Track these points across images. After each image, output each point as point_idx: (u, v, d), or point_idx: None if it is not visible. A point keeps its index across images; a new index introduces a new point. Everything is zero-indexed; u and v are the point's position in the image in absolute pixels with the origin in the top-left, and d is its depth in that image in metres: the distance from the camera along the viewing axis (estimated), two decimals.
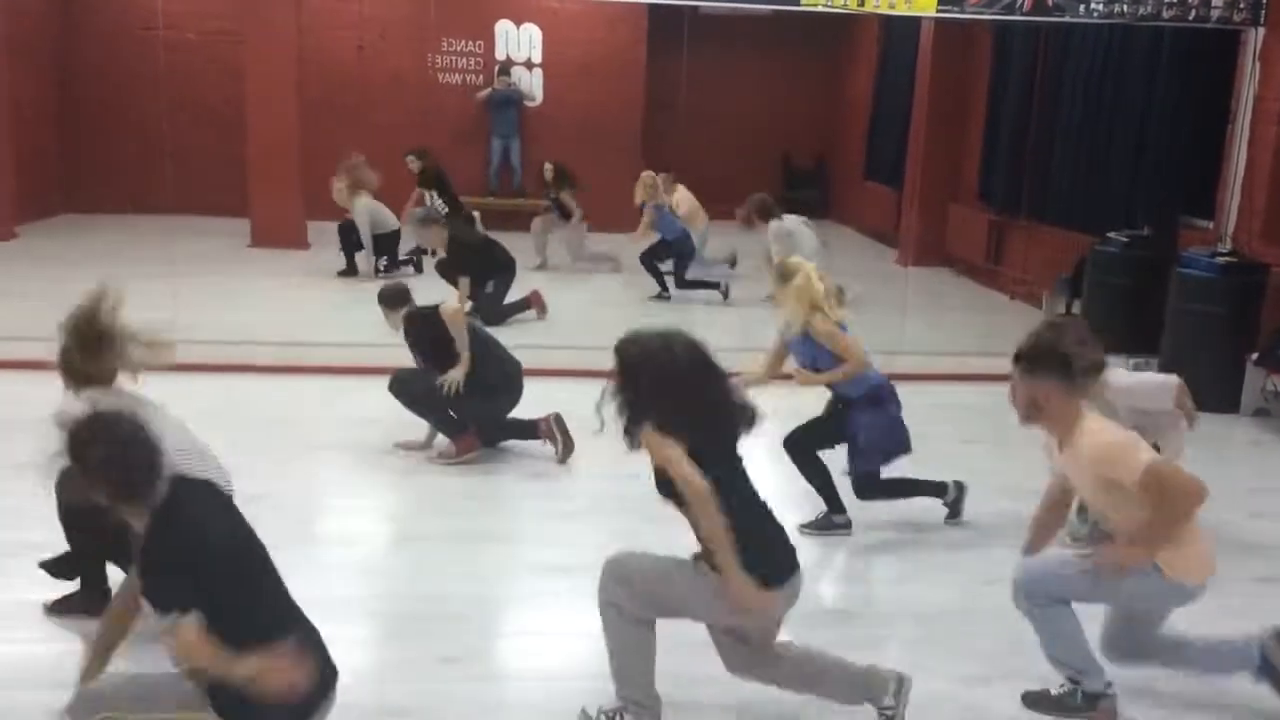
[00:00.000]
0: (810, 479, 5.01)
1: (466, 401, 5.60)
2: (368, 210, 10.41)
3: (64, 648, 3.71)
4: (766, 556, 3.15)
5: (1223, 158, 8.08)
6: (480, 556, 4.58)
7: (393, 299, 5.81)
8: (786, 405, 4.85)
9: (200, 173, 12.67)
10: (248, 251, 11.56)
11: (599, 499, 5.33)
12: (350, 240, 10.51)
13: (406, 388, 5.68)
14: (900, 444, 4.98)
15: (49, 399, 3.62)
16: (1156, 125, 8.86)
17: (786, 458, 4.99)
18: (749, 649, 3.37)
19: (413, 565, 4.34)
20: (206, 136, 12.88)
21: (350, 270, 10.51)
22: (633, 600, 3.22)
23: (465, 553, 4.58)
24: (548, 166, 11.53)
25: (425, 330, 5.70)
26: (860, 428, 4.89)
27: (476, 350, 5.64)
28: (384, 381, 6.90)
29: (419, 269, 10.54)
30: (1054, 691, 3.61)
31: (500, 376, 5.75)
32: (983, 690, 3.75)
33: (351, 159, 10.56)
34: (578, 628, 4.03)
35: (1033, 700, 3.63)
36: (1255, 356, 7.09)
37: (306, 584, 4.26)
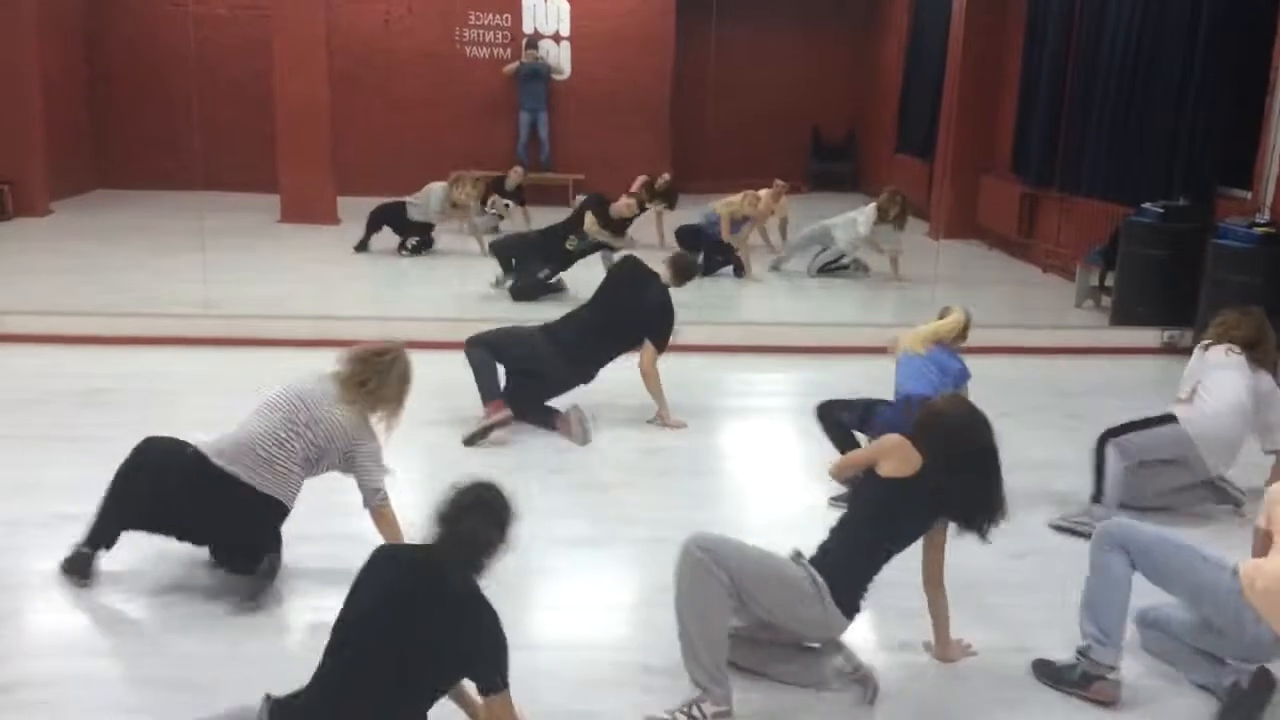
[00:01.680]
0: (838, 446, 4.99)
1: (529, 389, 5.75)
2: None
3: (88, 618, 3.78)
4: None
5: (1262, 127, 7.93)
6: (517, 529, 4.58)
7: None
8: None
9: (230, 148, 12.72)
10: (277, 227, 11.62)
11: (625, 473, 5.34)
12: (377, 223, 10.47)
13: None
14: None
15: (79, 371, 3.65)
16: (1194, 95, 8.70)
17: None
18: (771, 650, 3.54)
19: None
20: (237, 112, 12.93)
21: (363, 246, 10.39)
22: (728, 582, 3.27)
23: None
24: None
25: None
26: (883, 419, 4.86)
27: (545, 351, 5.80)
28: (412, 355, 6.93)
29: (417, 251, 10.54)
30: (1058, 662, 3.60)
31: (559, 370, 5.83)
32: (1015, 659, 3.72)
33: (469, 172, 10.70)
34: (603, 600, 4.06)
35: (1039, 668, 3.64)
36: None
37: (334, 556, 4.35)
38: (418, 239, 10.51)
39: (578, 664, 3.65)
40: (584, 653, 3.72)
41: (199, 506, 3.91)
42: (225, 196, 11.99)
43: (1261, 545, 3.52)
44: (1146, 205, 8.31)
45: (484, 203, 10.99)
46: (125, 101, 13.57)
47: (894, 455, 3.52)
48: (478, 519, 2.82)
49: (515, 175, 11.82)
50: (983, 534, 3.56)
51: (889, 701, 3.49)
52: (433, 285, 9.56)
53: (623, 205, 8.67)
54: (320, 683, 2.71)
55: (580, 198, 10.69)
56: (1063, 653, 3.65)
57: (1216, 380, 4.92)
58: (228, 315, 7.68)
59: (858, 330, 8.06)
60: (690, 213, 11.34)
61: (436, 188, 10.39)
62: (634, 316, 5.89)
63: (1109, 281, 8.94)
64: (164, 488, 3.92)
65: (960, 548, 3.78)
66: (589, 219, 8.82)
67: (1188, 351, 7.59)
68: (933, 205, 12.92)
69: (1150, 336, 8.02)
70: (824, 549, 3.52)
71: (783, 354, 7.63)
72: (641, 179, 10.85)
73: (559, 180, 13.82)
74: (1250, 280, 7.14)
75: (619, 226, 9.15)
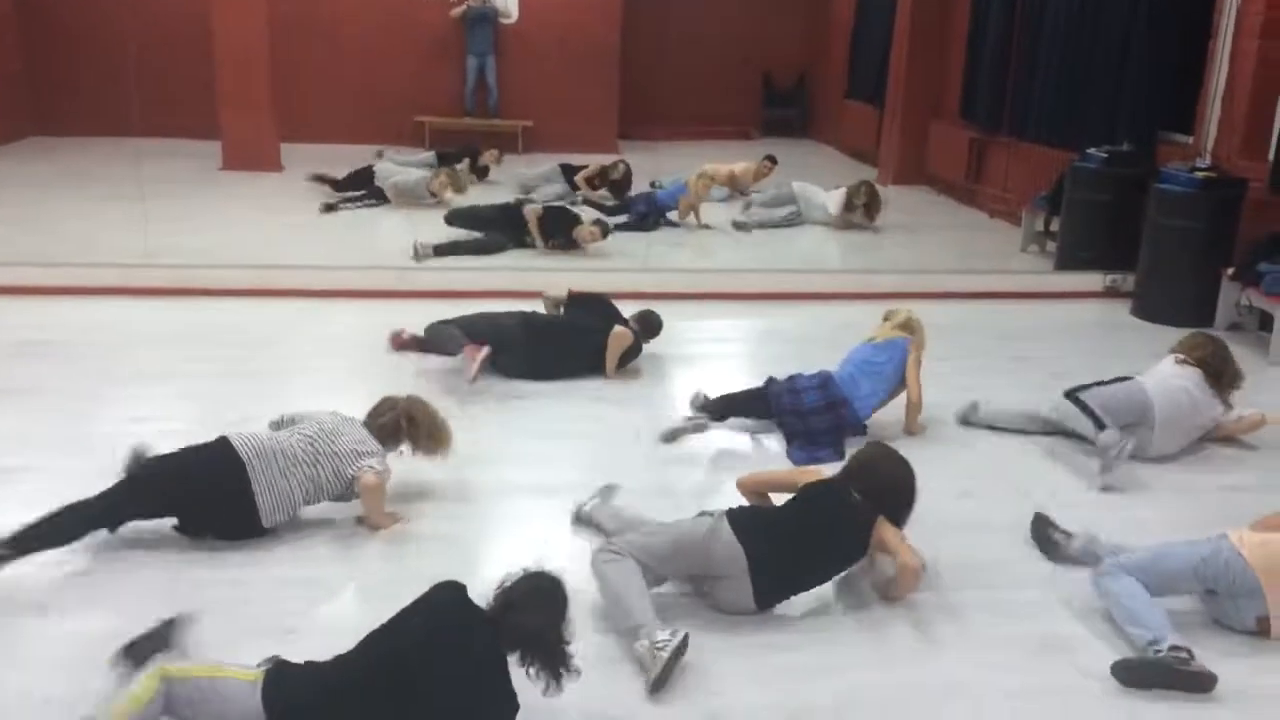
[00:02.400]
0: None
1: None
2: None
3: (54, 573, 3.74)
4: None
5: (1204, 72, 8.01)
6: (464, 477, 4.58)
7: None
8: None
9: (169, 93, 12.41)
10: (219, 174, 11.38)
11: (576, 421, 5.35)
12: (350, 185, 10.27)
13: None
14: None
15: (15, 323, 3.57)
16: (1139, 41, 8.75)
17: None
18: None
19: (396, 485, 4.34)
20: (175, 55, 12.59)
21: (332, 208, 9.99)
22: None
23: (448, 473, 4.58)
24: (620, 168, 10.70)
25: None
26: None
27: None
28: (358, 304, 6.90)
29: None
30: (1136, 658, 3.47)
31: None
32: (953, 601, 3.80)
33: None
34: (556, 548, 4.07)
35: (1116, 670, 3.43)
36: (1231, 271, 7.11)
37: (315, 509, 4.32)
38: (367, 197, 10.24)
39: None
40: None
41: (205, 495, 3.95)
42: (164, 143, 11.72)
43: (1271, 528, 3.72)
44: (1091, 151, 8.38)
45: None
46: (60, 45, 13.15)
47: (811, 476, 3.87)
48: (543, 615, 2.93)
49: (490, 157, 11.60)
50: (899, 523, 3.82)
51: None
52: (380, 235, 9.45)
53: (585, 233, 8.54)
54: (340, 671, 2.82)
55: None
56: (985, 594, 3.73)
57: (1168, 384, 5.08)
58: (169, 265, 7.54)
59: (807, 277, 8.11)
60: (637, 159, 11.29)
61: (414, 176, 10.19)
62: (601, 342, 5.87)
63: (1054, 226, 9.03)
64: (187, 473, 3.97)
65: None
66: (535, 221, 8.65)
67: (1129, 295, 7.77)
68: (882, 151, 12.95)
69: (1093, 280, 8.13)
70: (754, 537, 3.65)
71: (730, 300, 7.65)
72: (595, 168, 10.72)
73: (507, 127, 13.66)
74: (1191, 224, 7.25)
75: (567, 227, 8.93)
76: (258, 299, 7.12)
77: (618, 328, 5.93)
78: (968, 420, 5.39)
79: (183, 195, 10.17)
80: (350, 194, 10.17)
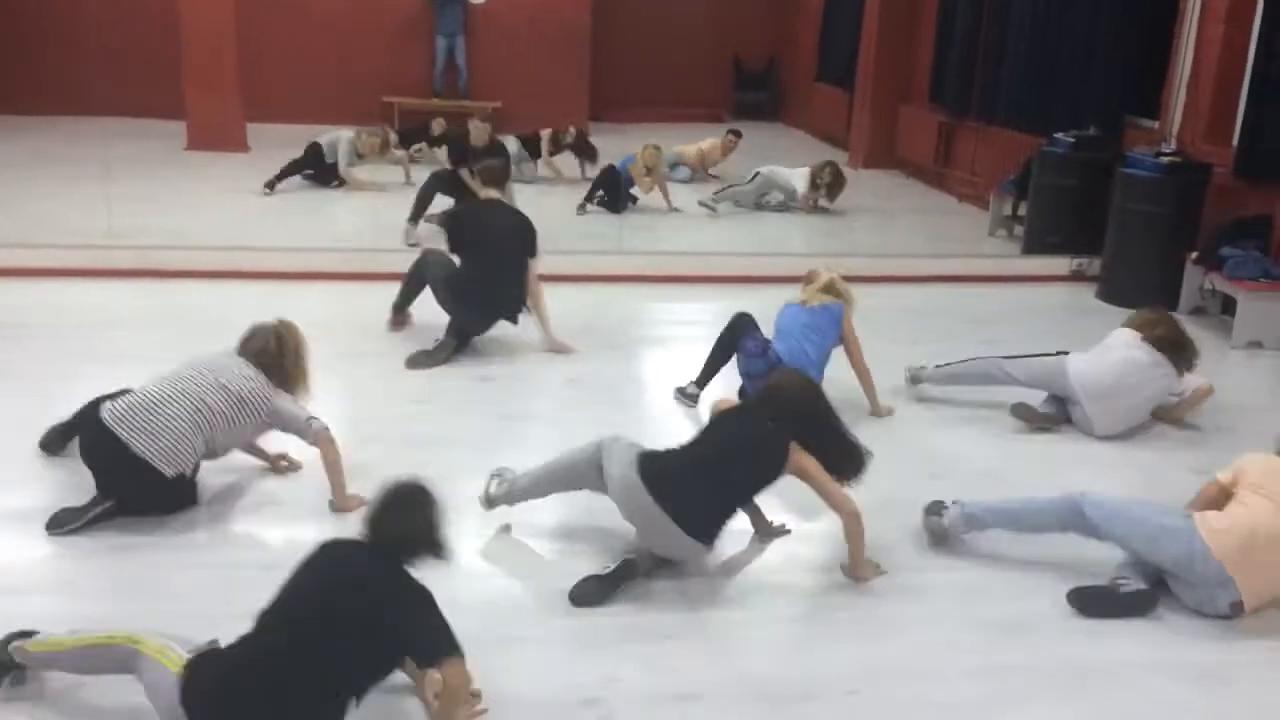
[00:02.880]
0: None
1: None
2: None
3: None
4: None
5: (1169, 58, 8.09)
6: (431, 458, 4.57)
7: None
8: None
9: (134, 72, 12.25)
10: (185, 154, 11.25)
11: (546, 404, 5.35)
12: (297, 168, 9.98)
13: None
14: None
15: None
16: (1106, 25, 8.82)
17: None
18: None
19: (364, 468, 4.32)
20: (140, 33, 12.43)
21: (271, 186, 9.70)
22: None
23: (417, 455, 4.57)
24: (571, 133, 10.83)
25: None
26: None
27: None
28: (325, 286, 6.87)
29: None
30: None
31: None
32: (919, 582, 3.84)
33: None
34: (528, 529, 4.08)
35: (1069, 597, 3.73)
36: (1195, 255, 7.20)
37: (261, 488, 4.31)
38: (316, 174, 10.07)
39: (499, 592, 3.69)
40: (507, 582, 3.74)
41: (107, 473, 3.96)
42: (129, 123, 11.58)
43: (1209, 499, 3.80)
44: (1058, 135, 8.45)
45: (406, 146, 10.72)
46: (21, 22, 12.93)
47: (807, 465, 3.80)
48: (406, 515, 2.95)
49: (437, 125, 11.50)
50: (847, 479, 3.85)
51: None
52: (347, 215, 9.39)
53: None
54: (245, 650, 2.75)
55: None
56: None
57: (1118, 355, 5.14)
58: (135, 246, 7.46)
59: (774, 260, 8.12)
60: (606, 141, 11.26)
61: (343, 138, 10.02)
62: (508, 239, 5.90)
63: (1021, 210, 9.11)
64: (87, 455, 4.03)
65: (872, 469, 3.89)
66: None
67: (1095, 279, 7.85)
68: (852, 134, 12.99)
69: (1060, 264, 8.21)
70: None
71: (700, 283, 7.66)
72: (547, 132, 10.71)
73: (477, 108, 13.55)
74: (1156, 209, 7.33)
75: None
76: (227, 281, 7.06)
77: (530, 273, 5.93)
78: (918, 379, 5.51)
79: (148, 176, 10.05)
80: (291, 172, 9.89)
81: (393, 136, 10.49)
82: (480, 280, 5.83)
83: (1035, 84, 9.72)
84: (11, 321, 6.15)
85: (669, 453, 3.84)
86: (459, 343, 5.82)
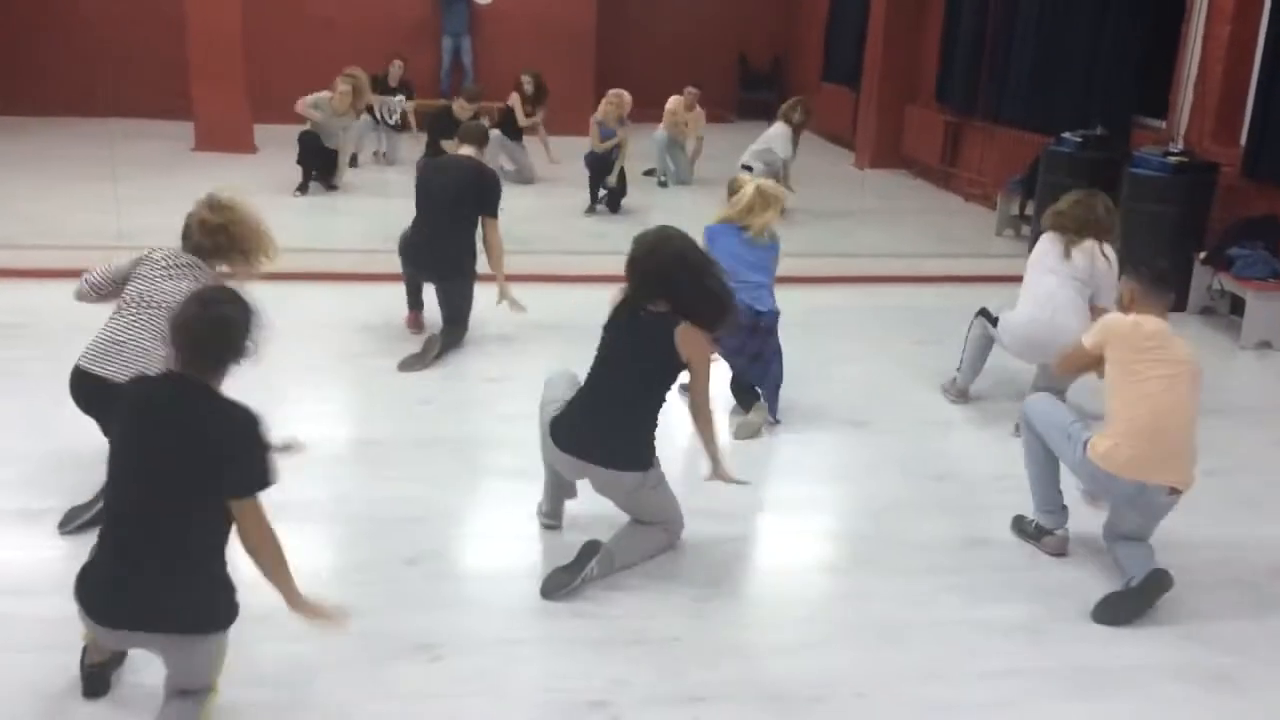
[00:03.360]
0: None
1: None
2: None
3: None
4: None
5: (1176, 57, 8.07)
6: (436, 460, 4.59)
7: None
8: None
9: (140, 72, 12.28)
10: (192, 156, 11.26)
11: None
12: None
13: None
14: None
15: None
16: (1113, 25, 8.81)
17: None
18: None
19: (370, 469, 4.34)
20: (146, 33, 12.45)
21: (304, 188, 9.81)
22: None
23: (421, 456, 4.59)
24: (526, 78, 10.88)
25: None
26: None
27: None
28: (334, 287, 6.87)
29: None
30: (1027, 516, 4.09)
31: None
32: (927, 585, 3.84)
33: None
34: (537, 529, 4.09)
35: (1014, 522, 4.14)
36: (1203, 256, 7.18)
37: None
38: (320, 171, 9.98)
39: (506, 594, 3.68)
40: (516, 583, 3.74)
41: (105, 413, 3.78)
42: (135, 124, 11.60)
43: (1070, 361, 4.12)
44: (1066, 135, 8.43)
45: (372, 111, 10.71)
46: (28, 24, 12.96)
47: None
48: (204, 329, 2.86)
49: (396, 69, 11.40)
50: (711, 328, 3.73)
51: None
52: (351, 216, 9.39)
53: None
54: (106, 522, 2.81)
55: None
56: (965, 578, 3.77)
57: (1033, 280, 5.20)
58: (141, 247, 7.40)
59: (781, 260, 8.10)
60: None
61: (321, 98, 9.82)
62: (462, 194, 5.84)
63: (1029, 210, 9.08)
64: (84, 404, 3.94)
65: (879, 474, 3.88)
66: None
67: None
68: (858, 134, 12.98)
69: None
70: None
71: None
72: (514, 97, 10.82)
73: (483, 108, 13.56)
74: (1164, 209, 7.30)
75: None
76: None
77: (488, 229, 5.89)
78: (962, 391, 5.48)
79: (155, 177, 10.04)
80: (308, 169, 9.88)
81: (363, 77, 10.19)
82: (415, 237, 5.89)
83: (1042, 83, 9.70)
84: (18, 323, 6.17)
85: (570, 404, 3.81)
86: (445, 340, 5.82)
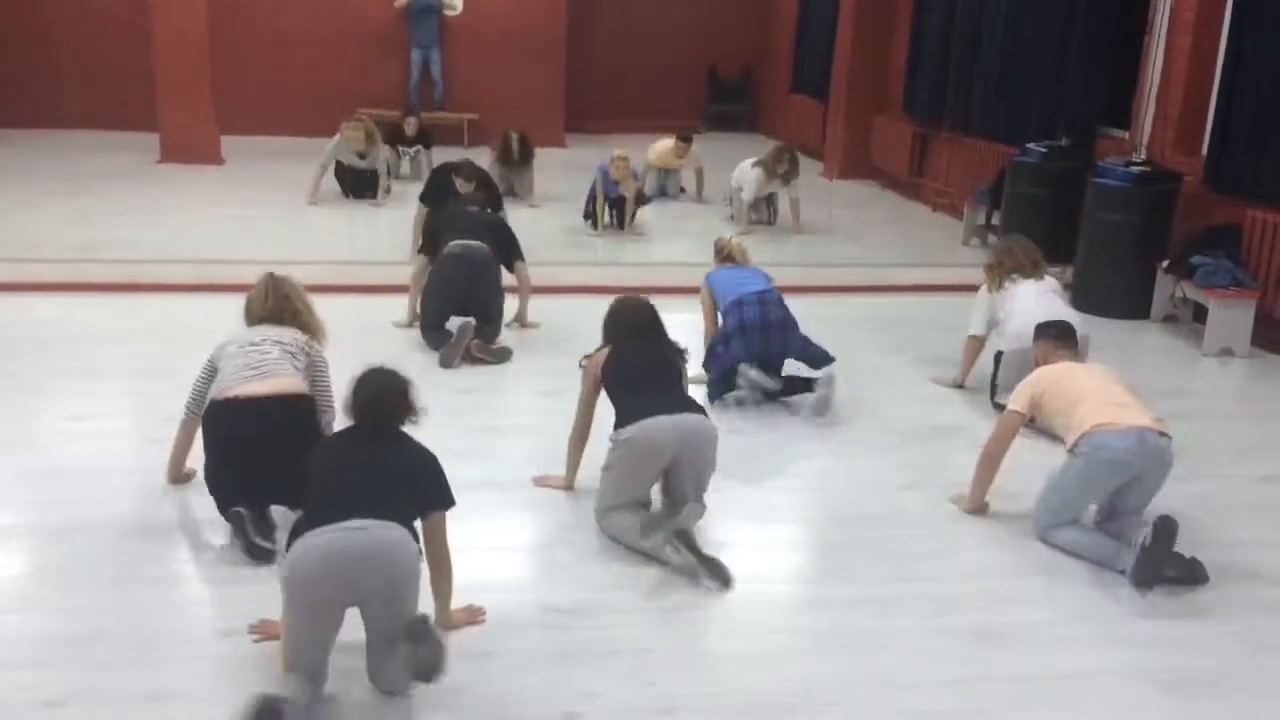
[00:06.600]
0: None
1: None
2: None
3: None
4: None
5: (1139, 68, 8.18)
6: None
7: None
8: None
9: (106, 85, 12.20)
10: (158, 168, 11.18)
11: (525, 416, 5.35)
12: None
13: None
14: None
15: None
16: (1077, 36, 8.91)
17: None
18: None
19: None
20: (112, 45, 12.37)
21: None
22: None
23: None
24: (514, 135, 10.38)
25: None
26: None
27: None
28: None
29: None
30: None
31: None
32: (897, 594, 3.86)
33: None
34: (507, 541, 4.08)
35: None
36: (1166, 264, 7.27)
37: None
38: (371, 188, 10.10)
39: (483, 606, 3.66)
40: (485, 595, 3.73)
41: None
42: (101, 136, 11.53)
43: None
44: (1030, 145, 8.52)
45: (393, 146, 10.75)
46: None
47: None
48: (384, 394, 3.40)
49: (410, 125, 11.45)
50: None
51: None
52: (322, 228, 9.35)
53: None
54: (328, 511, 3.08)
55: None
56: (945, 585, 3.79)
57: (1021, 307, 5.55)
58: (107, 260, 7.41)
59: None
60: (583, 152, 11.26)
61: (330, 143, 9.93)
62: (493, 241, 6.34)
63: (995, 220, 9.17)
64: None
65: (853, 481, 3.88)
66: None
67: (1067, 288, 7.89)
68: (827, 145, 13.06)
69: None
70: None
71: (677, 294, 7.66)
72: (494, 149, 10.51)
73: (453, 120, 13.58)
74: (1127, 218, 7.40)
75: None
76: (205, 294, 7.02)
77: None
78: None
79: (121, 189, 9.99)
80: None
81: (368, 121, 10.22)
82: (446, 304, 6.25)
83: (1008, 94, 9.80)
84: None
85: (642, 409, 4.07)
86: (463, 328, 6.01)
